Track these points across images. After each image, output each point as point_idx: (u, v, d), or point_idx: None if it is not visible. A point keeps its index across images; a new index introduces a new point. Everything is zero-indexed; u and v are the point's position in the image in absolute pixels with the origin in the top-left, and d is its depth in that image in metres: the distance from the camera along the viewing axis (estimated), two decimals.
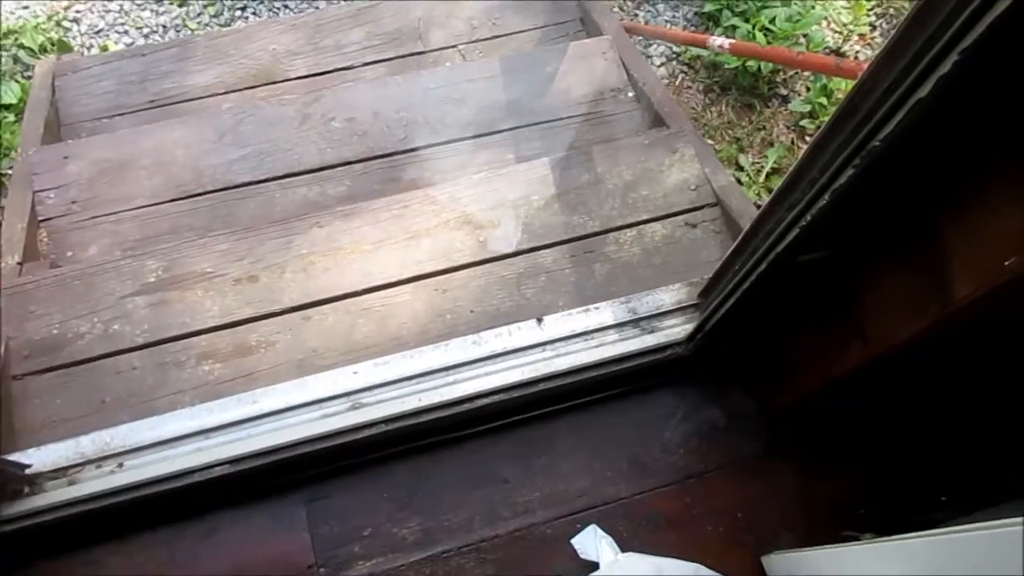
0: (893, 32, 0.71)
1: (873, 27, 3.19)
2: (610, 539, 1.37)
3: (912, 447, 1.42)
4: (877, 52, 0.76)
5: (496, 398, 1.42)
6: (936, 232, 0.94)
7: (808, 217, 0.97)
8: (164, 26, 3.06)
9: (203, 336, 1.68)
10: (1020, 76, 0.72)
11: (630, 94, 2.27)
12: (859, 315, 1.15)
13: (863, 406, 1.42)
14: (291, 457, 1.36)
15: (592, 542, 1.37)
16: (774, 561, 1.36)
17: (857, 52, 3.14)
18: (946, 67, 0.69)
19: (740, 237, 1.16)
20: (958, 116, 0.78)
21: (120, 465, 1.35)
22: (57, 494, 1.31)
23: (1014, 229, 0.80)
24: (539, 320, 1.49)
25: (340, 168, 2.09)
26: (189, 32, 3.04)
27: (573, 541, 1.38)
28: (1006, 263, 0.81)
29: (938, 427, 1.35)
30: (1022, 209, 0.79)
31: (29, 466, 1.33)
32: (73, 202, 1.97)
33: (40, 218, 1.95)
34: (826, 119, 0.89)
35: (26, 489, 1.31)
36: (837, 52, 3.12)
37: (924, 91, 0.72)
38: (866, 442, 1.46)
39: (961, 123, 0.80)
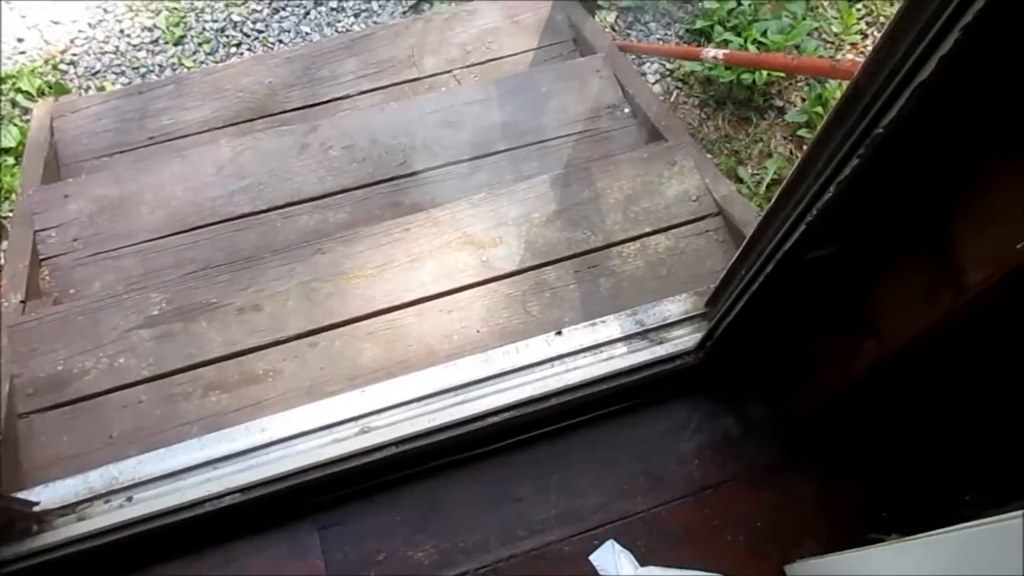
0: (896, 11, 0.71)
1: (864, 35, 3.21)
2: (629, 554, 1.35)
3: (933, 447, 1.40)
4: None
5: (507, 415, 1.40)
6: (944, 221, 0.93)
7: (814, 212, 0.96)
8: (160, 65, 3.09)
9: (209, 367, 1.67)
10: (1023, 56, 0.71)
11: (626, 110, 2.27)
12: (871, 312, 1.13)
13: (881, 408, 1.40)
14: (303, 483, 1.34)
15: (611, 558, 1.34)
16: (797, 569, 1.34)
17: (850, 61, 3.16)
18: (947, 46, 0.68)
19: (747, 238, 1.15)
20: (961, 99, 0.78)
21: (129, 499, 1.33)
22: (67, 531, 1.29)
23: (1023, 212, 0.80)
24: (551, 335, 1.48)
25: (340, 195, 2.09)
26: (185, 70, 3.06)
27: (591, 558, 1.36)
28: (1018, 246, 0.80)
29: (959, 424, 1.32)
30: None
31: (37, 504, 1.31)
32: (75, 240, 1.97)
33: (42, 256, 1.94)
34: None
35: (35, 527, 1.30)
36: None
37: (926, 73, 0.72)
38: (886, 445, 1.44)
39: (965, 107, 0.80)
